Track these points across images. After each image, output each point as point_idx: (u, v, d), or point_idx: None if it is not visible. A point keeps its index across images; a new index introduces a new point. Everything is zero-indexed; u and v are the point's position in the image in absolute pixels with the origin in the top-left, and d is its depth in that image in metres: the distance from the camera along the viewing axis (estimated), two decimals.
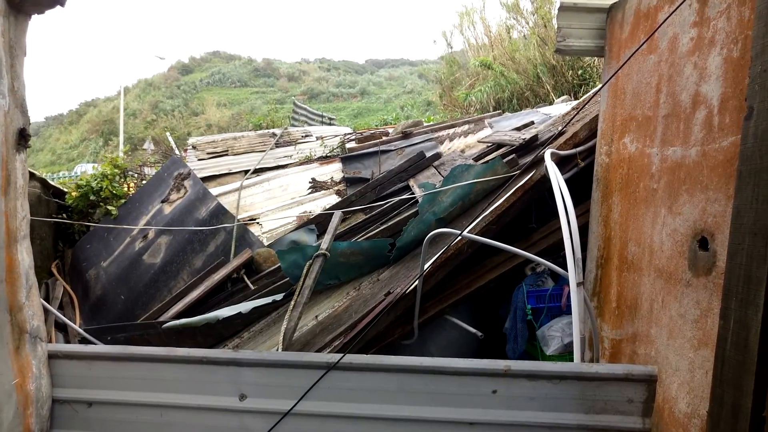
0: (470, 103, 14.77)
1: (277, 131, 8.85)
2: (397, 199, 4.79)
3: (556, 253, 3.83)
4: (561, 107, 6.53)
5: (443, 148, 6.02)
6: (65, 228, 7.03)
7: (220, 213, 5.69)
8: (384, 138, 6.43)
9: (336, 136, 8.05)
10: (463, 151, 5.71)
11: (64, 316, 5.88)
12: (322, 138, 8.00)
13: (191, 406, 2.55)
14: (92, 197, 6.76)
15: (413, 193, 4.93)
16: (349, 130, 9.19)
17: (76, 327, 4.37)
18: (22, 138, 2.61)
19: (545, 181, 3.72)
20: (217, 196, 6.06)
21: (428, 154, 5.47)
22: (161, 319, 4.79)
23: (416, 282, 3.55)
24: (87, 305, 6.10)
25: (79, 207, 6.89)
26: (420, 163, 5.35)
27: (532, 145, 4.44)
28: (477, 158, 4.89)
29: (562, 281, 3.75)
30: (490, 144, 5.24)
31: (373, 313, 3.56)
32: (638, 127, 2.92)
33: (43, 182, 6.76)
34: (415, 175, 5.28)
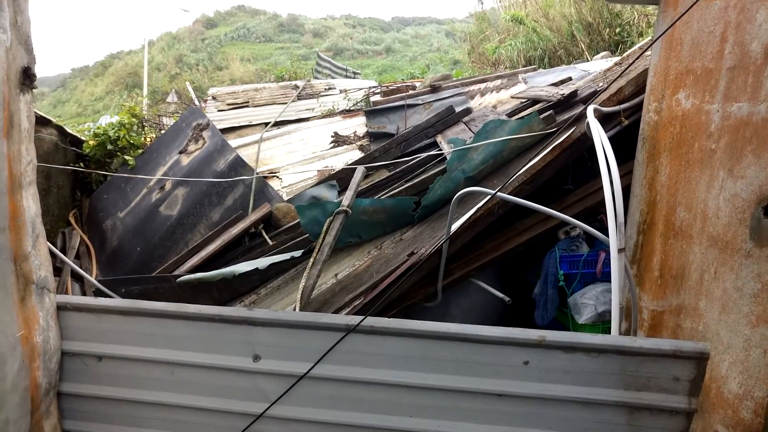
0: (499, 59, 14.24)
1: (300, 83, 8.62)
2: (423, 155, 4.59)
3: (592, 217, 3.63)
4: (601, 63, 6.17)
5: (474, 104, 5.75)
6: (83, 177, 6.99)
7: (239, 165, 5.56)
8: (411, 92, 6.17)
9: (360, 89, 7.80)
10: (495, 106, 5.44)
11: (81, 266, 5.90)
12: (345, 91, 7.75)
13: (203, 365, 2.47)
14: (109, 146, 6.67)
15: (441, 150, 4.72)
16: (374, 83, 8.91)
17: (91, 278, 4.34)
18: (27, 77, 2.46)
19: (585, 139, 3.49)
20: (236, 148, 5.92)
21: (458, 109, 5.22)
22: (177, 272, 4.73)
23: (442, 243, 3.39)
24: (104, 256, 6.10)
25: (97, 156, 6.82)
26: (448, 119, 5.11)
27: (571, 101, 4.17)
28: (511, 114, 4.64)
29: (597, 246, 3.56)
30: (524, 100, 4.97)
31: (396, 274, 3.44)
32: (696, 81, 2.65)
33: (61, 130, 6.69)
34: (443, 131, 5.05)
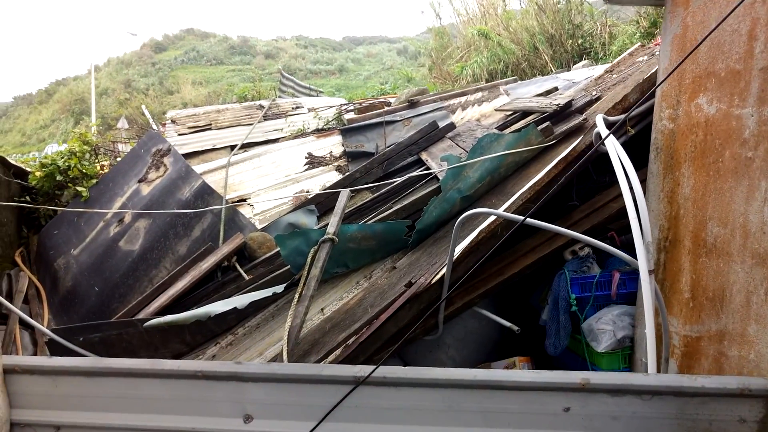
0: (463, 76, 14.26)
1: (265, 103, 8.33)
2: (412, 174, 4.35)
3: (602, 234, 3.44)
4: (583, 72, 6.10)
5: (456, 118, 5.57)
6: (30, 212, 6.49)
7: (206, 193, 5.21)
8: (387, 108, 5.96)
9: (330, 107, 7.55)
10: (479, 120, 5.26)
11: (30, 312, 5.41)
12: (315, 109, 7.49)
13: (185, 430, 2.13)
14: (59, 177, 6.22)
15: (427, 168, 4.49)
16: (343, 100, 8.69)
17: (42, 327, 3.90)
18: None
19: (589, 151, 3.31)
20: (201, 174, 5.57)
21: (441, 124, 5.01)
22: (142, 315, 4.34)
23: (443, 270, 3.14)
24: (56, 299, 5.61)
25: (45, 188, 6.34)
26: (432, 135, 4.90)
27: (566, 111, 4.01)
28: (501, 128, 4.46)
29: (611, 266, 3.36)
30: (511, 112, 4.80)
31: (394, 307, 3.16)
32: (720, 84, 2.49)
33: (2, 161, 6.20)
34: (428, 148, 4.83)
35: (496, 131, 4.22)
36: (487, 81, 12.95)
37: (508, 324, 3.40)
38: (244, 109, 8.10)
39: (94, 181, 6.29)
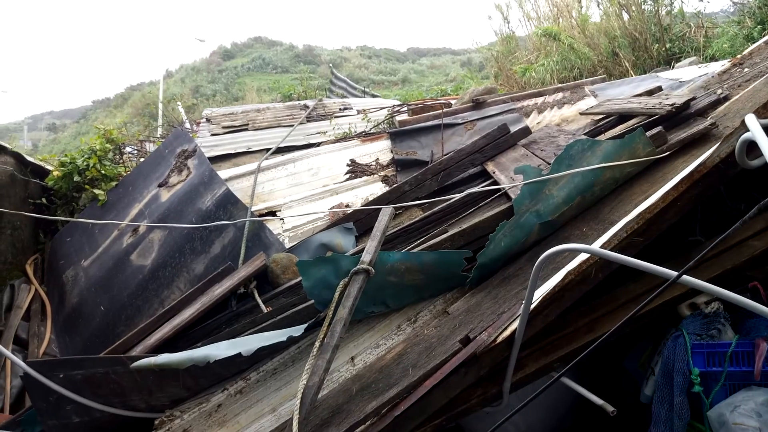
0: (528, 80, 13.37)
1: (310, 103, 7.77)
2: (476, 189, 3.59)
3: (737, 283, 2.58)
4: (691, 70, 5.19)
5: (530, 122, 4.78)
6: (50, 214, 6.13)
7: (229, 203, 4.63)
8: (447, 109, 5.24)
9: (382, 108, 6.89)
10: (559, 125, 4.46)
11: (30, 329, 4.97)
12: (364, 111, 6.85)
13: None
14: (77, 178, 5.82)
15: (494, 182, 3.73)
16: (397, 102, 8.02)
17: (17, 360, 3.35)
18: None
19: (727, 167, 2.47)
20: (227, 180, 5.00)
21: (513, 129, 4.24)
22: (140, 348, 3.77)
23: (514, 324, 2.38)
24: (61, 316, 5.16)
25: (62, 190, 5.97)
26: (502, 141, 4.12)
27: (682, 114, 3.17)
28: (592, 134, 3.65)
29: (753, 331, 2.49)
30: (603, 116, 3.98)
31: (444, 371, 2.42)
32: None
33: (18, 157, 5.87)
34: (495, 157, 4.07)
35: (579, 137, 3.42)
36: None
37: (600, 402, 2.58)
38: (286, 108, 7.57)
39: (114, 183, 5.85)
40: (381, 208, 3.20)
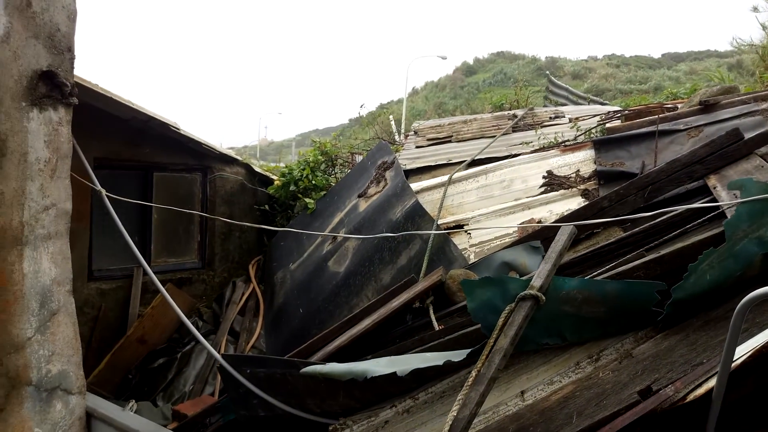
0: None
1: (519, 112, 7.44)
2: (683, 207, 2.99)
3: None
4: None
5: None
6: (270, 220, 6.83)
7: (417, 215, 4.59)
8: (666, 114, 4.51)
9: (596, 115, 6.27)
10: None
11: (242, 324, 5.52)
12: (576, 119, 6.31)
13: None
14: (292, 187, 6.36)
15: (713, 199, 3.07)
16: (617, 108, 7.25)
17: (214, 352, 3.72)
18: (50, 86, 1.79)
19: None
20: (419, 192, 4.99)
21: (747, 135, 3.46)
22: (320, 354, 3.91)
23: (712, 381, 1.87)
24: (270, 313, 5.66)
25: (282, 198, 6.59)
26: (730, 149, 3.38)
27: None
28: None
29: None
30: None
31: (613, 427, 2.00)
32: None
33: (248, 168, 6.63)
34: (721, 170, 3.35)
35: None
36: None
37: None
38: (494, 119, 7.36)
39: (323, 193, 6.27)
40: (561, 227, 2.82)
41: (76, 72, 3.79)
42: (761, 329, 1.96)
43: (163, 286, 4.00)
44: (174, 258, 6.19)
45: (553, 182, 4.46)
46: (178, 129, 5.34)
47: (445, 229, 4.42)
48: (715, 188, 3.16)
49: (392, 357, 3.18)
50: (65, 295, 1.97)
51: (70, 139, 2.02)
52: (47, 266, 1.82)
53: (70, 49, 1.91)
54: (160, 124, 5.18)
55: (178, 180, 6.21)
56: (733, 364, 1.79)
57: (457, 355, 2.86)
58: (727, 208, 2.71)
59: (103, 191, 4.36)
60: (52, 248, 1.85)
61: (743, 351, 1.88)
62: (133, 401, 4.35)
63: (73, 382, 1.98)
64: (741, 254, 2.23)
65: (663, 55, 49.62)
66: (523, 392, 2.83)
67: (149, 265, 5.57)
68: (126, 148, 5.58)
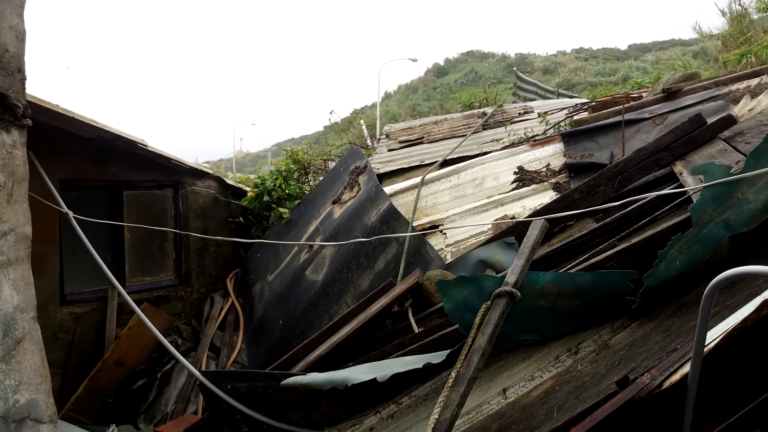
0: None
1: (489, 110, 7.48)
2: (651, 195, 3.02)
3: None
4: None
5: (740, 110, 3.93)
6: (245, 232, 6.75)
7: (392, 218, 4.58)
8: (632, 103, 4.56)
9: (564, 108, 6.33)
10: None
11: (223, 339, 5.45)
12: (544, 114, 6.36)
13: None
14: (266, 198, 6.31)
15: (680, 186, 3.11)
16: (585, 100, 7.33)
17: (193, 369, 3.67)
18: (1, 107, 1.75)
19: None
20: (393, 195, 4.98)
21: (710, 120, 3.51)
22: (302, 364, 3.87)
23: (687, 366, 1.88)
24: (251, 327, 5.60)
25: (256, 209, 6.52)
26: (695, 135, 3.43)
27: None
28: None
29: None
30: None
31: (593, 420, 2.00)
32: None
33: (220, 181, 6.56)
34: (686, 155, 3.39)
35: None
36: None
37: None
38: (463, 118, 7.39)
39: (297, 201, 6.22)
40: (532, 221, 2.83)
41: (38, 93, 3.69)
42: (732, 312, 1.98)
43: (140, 306, 3.94)
44: (150, 276, 6.09)
45: (524, 177, 4.48)
46: (145, 146, 5.26)
47: (420, 231, 4.41)
48: (681, 174, 3.19)
49: (373, 363, 3.16)
50: (30, 321, 1.91)
51: (26, 161, 1.96)
52: (9, 293, 1.76)
53: (20, 70, 1.86)
54: (127, 141, 5.09)
55: (149, 197, 6.12)
56: (705, 349, 1.79)
57: (437, 357, 2.85)
58: (693, 192, 2.74)
59: (70, 213, 4.28)
60: (12, 275, 1.79)
61: (715, 334, 1.89)
62: (114, 425, 4.27)
63: (43, 410, 1.91)
64: (708, 238, 2.26)
65: (629, 46, 50.35)
66: (505, 390, 2.84)
67: (124, 285, 5.48)
68: (93, 167, 5.47)
